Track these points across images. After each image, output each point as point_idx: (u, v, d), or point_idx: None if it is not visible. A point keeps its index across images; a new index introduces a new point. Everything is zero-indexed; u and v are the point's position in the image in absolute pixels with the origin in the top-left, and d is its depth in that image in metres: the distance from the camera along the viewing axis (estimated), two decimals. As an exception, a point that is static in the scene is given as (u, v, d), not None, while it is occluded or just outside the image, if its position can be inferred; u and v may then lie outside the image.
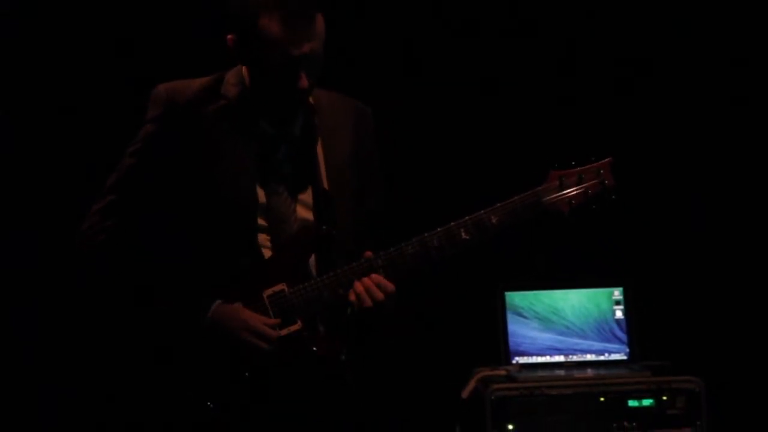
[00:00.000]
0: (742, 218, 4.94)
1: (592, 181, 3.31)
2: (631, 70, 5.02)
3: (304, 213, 3.26)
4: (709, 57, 5.01)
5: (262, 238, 3.22)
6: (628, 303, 4.57)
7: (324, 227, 3.24)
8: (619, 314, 4.57)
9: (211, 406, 3.13)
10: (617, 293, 4.57)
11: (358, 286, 3.19)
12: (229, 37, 3.17)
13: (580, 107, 4.97)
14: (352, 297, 3.19)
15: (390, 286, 3.18)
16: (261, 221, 3.21)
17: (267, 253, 3.21)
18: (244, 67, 3.24)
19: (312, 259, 3.24)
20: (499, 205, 3.28)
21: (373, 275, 3.19)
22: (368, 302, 3.18)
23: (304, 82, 3.14)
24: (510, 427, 4.24)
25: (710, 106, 5.02)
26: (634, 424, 4.27)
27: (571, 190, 3.31)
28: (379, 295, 3.17)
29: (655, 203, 4.85)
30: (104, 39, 4.72)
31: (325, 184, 3.28)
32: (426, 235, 3.23)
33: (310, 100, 3.30)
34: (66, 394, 4.51)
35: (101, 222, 3.23)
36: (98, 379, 4.38)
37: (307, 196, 3.27)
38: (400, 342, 4.46)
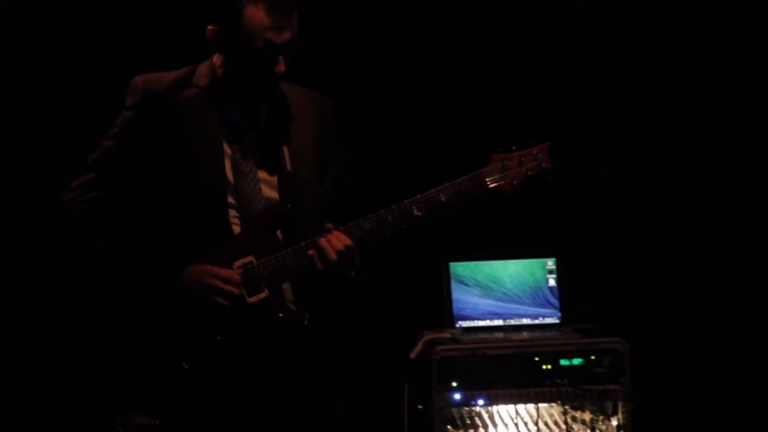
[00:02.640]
0: (659, 194, 4.94)
1: (531, 164, 3.37)
2: (559, 57, 4.97)
3: (270, 192, 3.30)
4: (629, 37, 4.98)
5: (232, 215, 3.24)
6: (560, 272, 4.60)
7: (288, 205, 3.28)
8: (552, 282, 4.60)
9: (186, 367, 3.15)
10: (550, 263, 4.60)
11: (321, 241, 3.22)
12: (210, 28, 3.20)
13: (518, 95, 4.94)
14: (315, 252, 3.21)
15: (348, 240, 3.22)
16: (230, 199, 3.25)
17: (236, 229, 3.27)
18: (215, 59, 3.28)
19: (277, 234, 3.28)
20: (448, 184, 3.33)
21: (334, 231, 3.22)
22: (332, 255, 3.21)
23: (282, 67, 3.18)
24: (454, 384, 4.24)
25: (635, 88, 4.99)
26: (565, 380, 4.25)
27: (512, 171, 3.37)
28: (340, 245, 3.20)
29: (583, 184, 4.75)
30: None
31: (289, 167, 3.32)
32: (382, 212, 3.28)
33: (282, 88, 3.33)
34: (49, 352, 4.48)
35: (82, 195, 3.25)
36: (81, 342, 4.37)
37: (272, 177, 3.31)
38: (354, 308, 4.47)
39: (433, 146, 4.92)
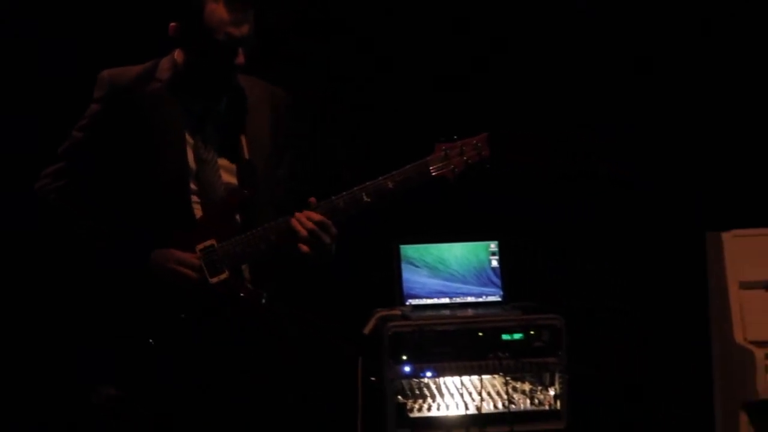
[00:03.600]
0: (588, 185, 4.98)
1: (471, 153, 3.42)
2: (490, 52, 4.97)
3: (229, 179, 3.34)
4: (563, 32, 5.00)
5: (194, 201, 3.28)
6: (502, 254, 4.61)
7: (246, 191, 3.32)
8: (494, 263, 4.60)
9: (152, 342, 3.20)
10: (493, 246, 4.60)
11: (300, 217, 3.26)
12: (172, 25, 3.25)
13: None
14: (295, 223, 3.24)
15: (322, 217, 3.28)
16: (192, 186, 3.28)
17: (198, 213, 3.28)
18: (176, 54, 3.31)
19: (236, 218, 3.31)
20: (395, 172, 3.36)
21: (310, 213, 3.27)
22: (309, 225, 3.25)
23: (241, 59, 3.23)
24: (404, 357, 4.28)
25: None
26: (506, 354, 4.29)
27: (454, 159, 3.41)
28: (318, 217, 3.25)
29: (523, 173, 4.84)
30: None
31: (247, 154, 3.35)
32: (333, 198, 3.33)
33: (239, 80, 3.35)
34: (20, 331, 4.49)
35: (51, 183, 3.29)
36: (53, 317, 4.38)
37: (231, 165, 3.34)
38: (311, 288, 4.44)
39: (382, 138, 4.87)
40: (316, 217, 3.26)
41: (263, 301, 3.30)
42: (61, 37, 4.54)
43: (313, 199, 3.28)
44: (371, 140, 4.89)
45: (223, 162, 3.33)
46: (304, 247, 3.27)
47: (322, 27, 4.86)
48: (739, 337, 4.53)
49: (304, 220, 3.25)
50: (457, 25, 4.94)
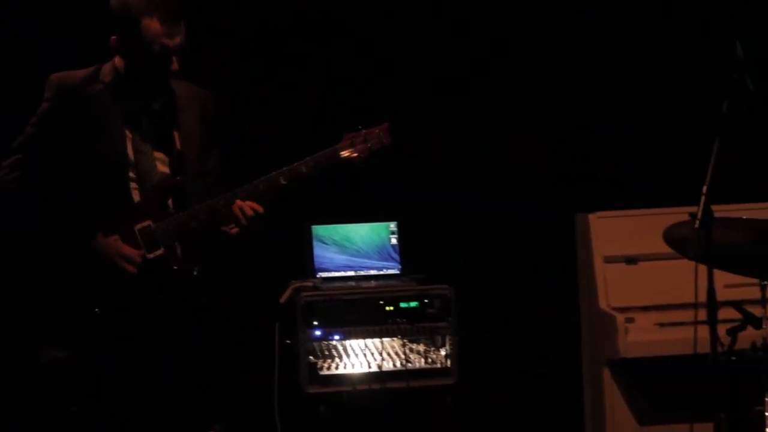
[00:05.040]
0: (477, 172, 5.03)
1: (374, 140, 3.45)
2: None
3: (163, 167, 3.41)
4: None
5: (132, 187, 3.35)
6: (401, 233, 4.69)
7: (178, 178, 3.39)
8: (394, 241, 4.69)
9: (98, 311, 3.26)
10: (393, 226, 4.70)
11: (237, 201, 3.30)
12: (113, 38, 3.32)
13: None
14: (236, 209, 3.28)
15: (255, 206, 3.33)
16: (131, 174, 3.35)
17: (137, 198, 3.35)
18: (117, 60, 3.35)
19: (169, 202, 3.39)
20: (308, 158, 3.41)
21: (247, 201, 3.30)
22: (249, 212, 3.30)
23: (176, 66, 3.30)
24: (315, 323, 4.37)
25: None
26: (404, 319, 4.40)
27: (359, 147, 3.44)
28: (242, 202, 3.31)
29: (420, 161, 4.94)
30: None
31: (179, 146, 3.41)
32: (254, 182, 3.37)
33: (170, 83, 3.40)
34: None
35: (8, 174, 3.32)
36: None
37: (165, 155, 3.41)
38: (235, 263, 4.43)
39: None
40: (240, 202, 3.31)
41: (195, 273, 3.34)
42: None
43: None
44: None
45: (158, 154, 3.38)
46: (233, 228, 3.34)
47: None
48: (603, 304, 4.69)
49: (237, 204, 3.31)
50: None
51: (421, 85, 4.93)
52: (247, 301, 4.66)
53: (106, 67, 3.39)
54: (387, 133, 3.46)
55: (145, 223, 3.32)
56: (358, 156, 3.43)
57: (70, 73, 3.39)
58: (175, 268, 3.33)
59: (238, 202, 3.31)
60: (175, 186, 3.38)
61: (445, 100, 5.00)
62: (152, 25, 3.25)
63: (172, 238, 3.35)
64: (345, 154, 3.42)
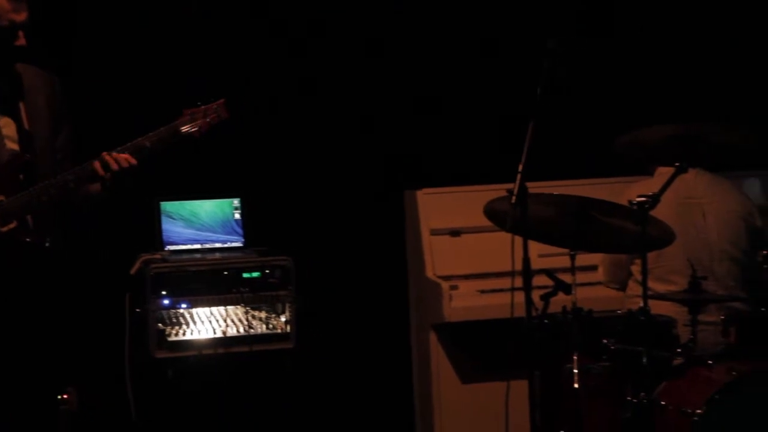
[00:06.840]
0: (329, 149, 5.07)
1: (213, 115, 3.50)
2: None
3: (12, 145, 3.39)
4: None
5: None
6: (243, 208, 4.70)
7: (27, 155, 3.38)
8: (237, 216, 4.69)
9: None
10: (236, 202, 4.70)
11: (111, 154, 3.33)
12: None
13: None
14: (97, 165, 3.30)
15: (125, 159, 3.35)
16: None
17: None
18: None
19: (20, 178, 3.36)
20: (151, 133, 3.43)
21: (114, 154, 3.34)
22: (114, 165, 3.31)
23: (23, 41, 3.31)
24: (163, 293, 4.35)
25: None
26: (247, 288, 4.40)
27: (198, 121, 3.47)
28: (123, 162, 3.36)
29: (262, 139, 4.96)
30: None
31: (26, 125, 3.40)
32: (100, 155, 3.40)
33: (17, 67, 3.40)
34: None
35: None
36: None
37: (13, 133, 3.39)
38: (87, 235, 4.38)
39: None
40: (115, 154, 3.34)
41: (47, 244, 3.34)
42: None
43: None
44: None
45: (7, 132, 3.37)
46: (97, 186, 3.37)
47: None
48: (430, 273, 4.79)
49: (112, 156, 3.34)
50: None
51: (260, 60, 4.92)
52: (98, 272, 4.59)
53: None
54: (224, 108, 3.51)
55: (-2, 198, 3.35)
56: (197, 130, 3.46)
57: None
58: (28, 240, 3.32)
59: (113, 153, 3.32)
60: (24, 162, 3.36)
61: (281, 78, 5.01)
62: (0, 2, 3.27)
63: (24, 211, 3.34)
64: (185, 128, 3.45)
